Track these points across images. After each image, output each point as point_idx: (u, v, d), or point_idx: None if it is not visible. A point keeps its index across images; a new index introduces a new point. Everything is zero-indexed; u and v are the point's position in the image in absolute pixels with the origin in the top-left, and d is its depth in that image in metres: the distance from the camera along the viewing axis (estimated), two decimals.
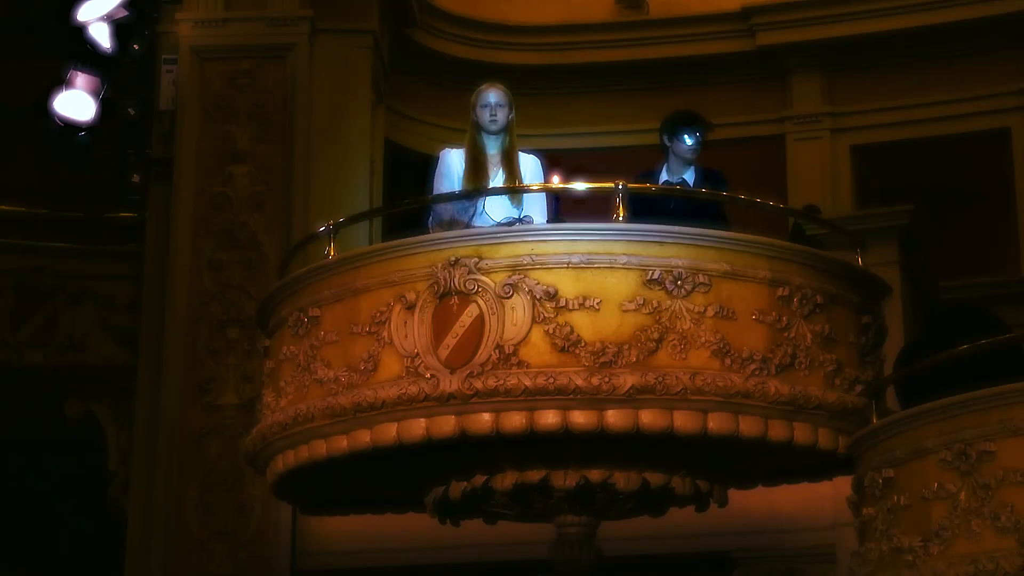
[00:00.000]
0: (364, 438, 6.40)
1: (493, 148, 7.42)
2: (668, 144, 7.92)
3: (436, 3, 12.05)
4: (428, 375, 6.23)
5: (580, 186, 7.42)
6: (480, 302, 6.25)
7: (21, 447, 11.61)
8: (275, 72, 10.58)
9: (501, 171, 7.39)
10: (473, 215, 7.23)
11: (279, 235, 10.18)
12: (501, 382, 6.14)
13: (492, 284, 6.25)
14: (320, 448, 6.59)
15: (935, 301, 10.60)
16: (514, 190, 7.29)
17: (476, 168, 7.36)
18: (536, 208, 7.30)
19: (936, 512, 6.02)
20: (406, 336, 6.32)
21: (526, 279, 6.24)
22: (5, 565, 12.23)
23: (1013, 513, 5.82)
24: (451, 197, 7.21)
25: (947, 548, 5.97)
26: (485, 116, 7.39)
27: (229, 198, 10.33)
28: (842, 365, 6.59)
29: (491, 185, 7.31)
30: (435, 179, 7.45)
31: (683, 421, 6.20)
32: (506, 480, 6.66)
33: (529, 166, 7.49)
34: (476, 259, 6.29)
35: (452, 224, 7.14)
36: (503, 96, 7.44)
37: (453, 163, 7.43)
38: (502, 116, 7.40)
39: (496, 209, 7.24)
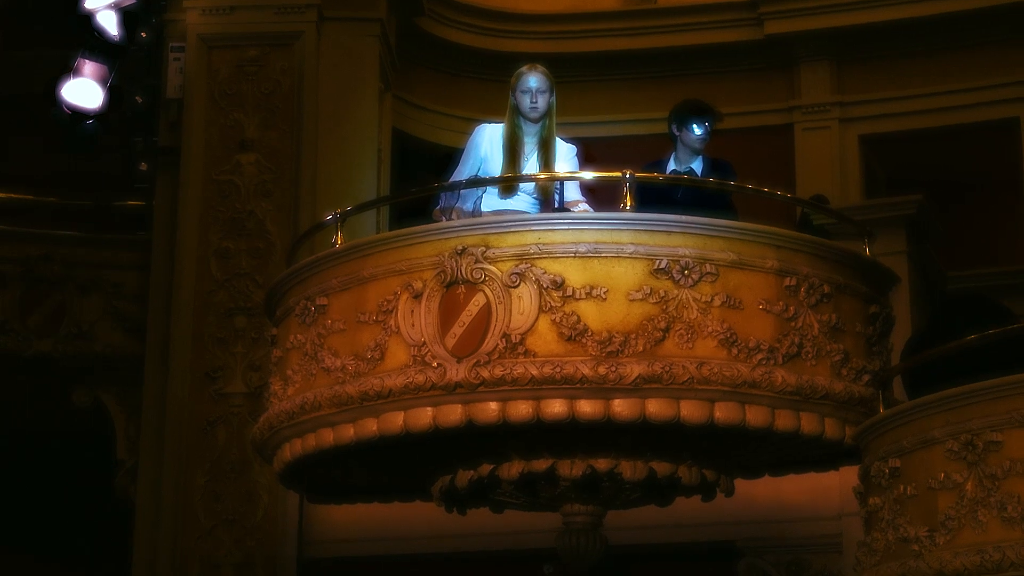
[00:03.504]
0: (371, 427, 6.41)
1: (531, 132, 7.31)
2: (676, 134, 7.92)
3: None
4: (435, 364, 6.24)
5: (588, 175, 7.43)
6: (487, 291, 6.25)
7: (29, 435, 11.63)
8: (282, 60, 10.57)
9: (536, 157, 7.32)
10: (478, 204, 7.19)
11: (286, 223, 10.18)
12: (508, 371, 6.14)
13: (499, 273, 6.26)
14: (327, 437, 6.60)
15: (943, 291, 10.60)
16: (516, 179, 7.28)
17: (512, 153, 7.26)
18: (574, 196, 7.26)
19: (942, 502, 6.02)
20: (413, 325, 6.33)
21: (533, 268, 6.24)
22: (12, 552, 12.25)
23: (1020, 503, 5.82)
24: (455, 186, 7.21)
25: (953, 538, 5.96)
26: (525, 102, 7.25)
27: (236, 186, 10.33)
28: (849, 355, 6.59)
29: (525, 171, 7.23)
30: (463, 155, 7.40)
31: (690, 411, 6.20)
32: (513, 469, 6.67)
33: (564, 153, 7.40)
34: (483, 248, 6.29)
35: (449, 212, 7.12)
36: (544, 81, 7.27)
37: (483, 141, 7.34)
38: (543, 102, 7.25)
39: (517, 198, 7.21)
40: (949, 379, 6.16)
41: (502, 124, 7.35)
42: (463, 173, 7.36)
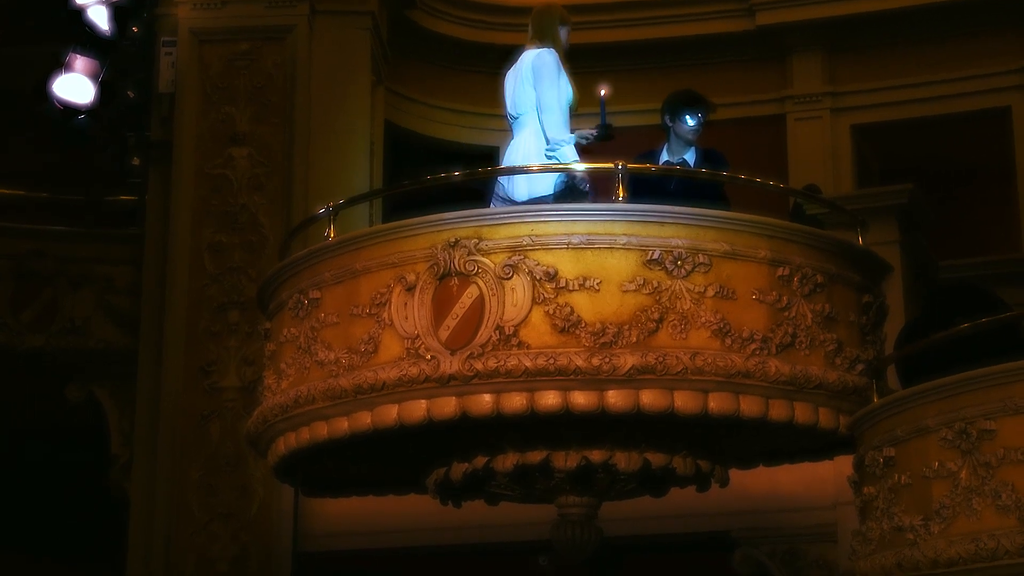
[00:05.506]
0: (365, 420, 6.41)
1: None
2: (669, 124, 7.93)
3: None
4: (428, 356, 6.24)
5: (580, 166, 7.43)
6: (480, 283, 6.25)
7: (23, 431, 11.62)
8: (274, 54, 10.55)
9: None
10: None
11: (279, 217, 10.17)
12: (501, 363, 6.14)
13: (492, 265, 6.25)
14: (321, 430, 6.60)
15: (936, 280, 10.60)
16: (518, 171, 7.31)
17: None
18: None
19: (937, 491, 6.02)
20: (406, 318, 6.33)
21: (526, 260, 6.24)
22: (6, 548, 12.25)
23: (1014, 491, 5.82)
24: (449, 179, 7.20)
25: (948, 527, 5.97)
26: (566, 35, 7.96)
27: (229, 180, 10.32)
28: (843, 344, 6.59)
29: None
30: (554, 75, 7.74)
31: (684, 401, 6.20)
32: (507, 461, 6.67)
33: None
34: (476, 240, 6.29)
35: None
36: None
37: (557, 59, 7.79)
38: None
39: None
40: (943, 368, 6.16)
41: (545, 49, 7.79)
42: (557, 94, 7.68)
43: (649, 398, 6.18)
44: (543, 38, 7.83)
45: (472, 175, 7.28)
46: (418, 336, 6.28)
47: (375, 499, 8.28)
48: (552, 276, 6.22)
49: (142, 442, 10.25)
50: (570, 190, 7.30)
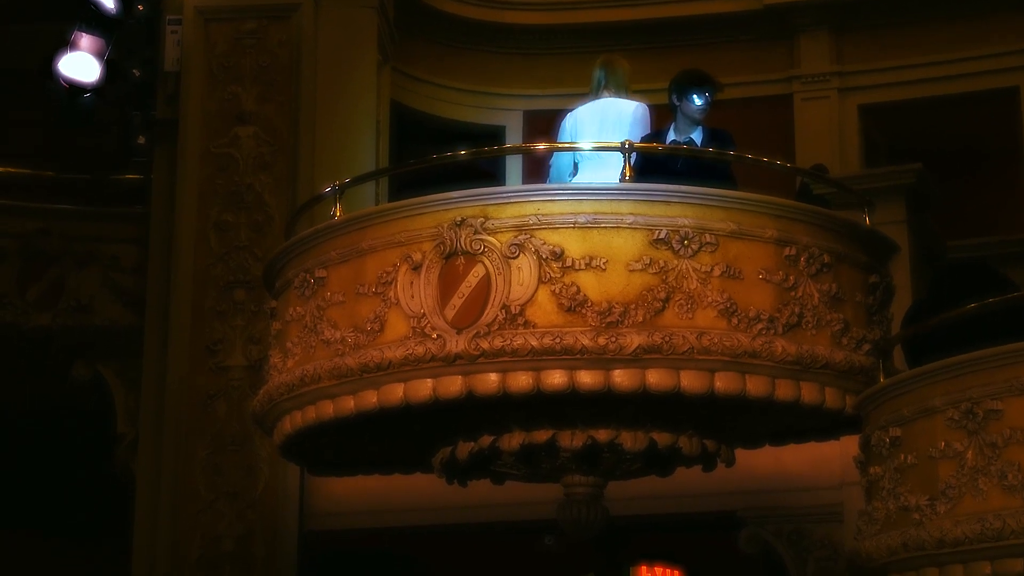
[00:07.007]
0: (371, 399, 6.41)
1: None
2: (677, 104, 7.92)
3: None
4: (434, 335, 6.23)
5: (587, 146, 7.42)
6: (486, 262, 6.24)
7: (29, 409, 11.64)
8: (280, 33, 10.52)
9: None
10: None
11: (285, 196, 10.15)
12: (507, 342, 6.13)
13: (498, 244, 6.25)
14: (327, 409, 6.60)
15: (943, 260, 10.58)
16: (523, 150, 7.30)
17: None
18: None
19: (943, 471, 6.02)
20: (412, 296, 6.32)
21: (532, 239, 6.23)
22: (12, 527, 12.27)
23: (1020, 471, 5.82)
24: (455, 158, 7.20)
25: (954, 507, 5.97)
26: None
27: (235, 159, 10.30)
28: (849, 324, 6.59)
29: None
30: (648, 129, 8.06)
31: (690, 381, 6.20)
32: (513, 440, 6.67)
33: None
34: (482, 219, 6.28)
35: None
36: None
37: None
38: None
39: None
40: (949, 348, 6.15)
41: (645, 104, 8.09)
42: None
43: (655, 378, 6.18)
44: (620, 88, 8.10)
45: (478, 154, 7.29)
46: (424, 315, 6.27)
47: (381, 478, 8.29)
48: (558, 255, 6.21)
49: (148, 421, 10.26)
50: None
